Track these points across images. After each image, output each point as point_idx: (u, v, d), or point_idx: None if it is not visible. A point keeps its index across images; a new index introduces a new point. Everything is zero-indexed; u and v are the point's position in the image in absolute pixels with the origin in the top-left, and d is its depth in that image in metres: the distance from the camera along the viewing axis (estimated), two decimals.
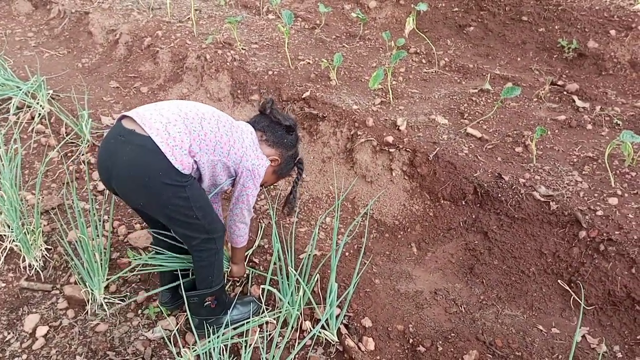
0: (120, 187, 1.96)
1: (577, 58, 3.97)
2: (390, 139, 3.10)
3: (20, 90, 3.83)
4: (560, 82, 3.72)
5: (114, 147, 1.88)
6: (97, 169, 2.08)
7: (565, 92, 3.61)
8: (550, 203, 2.61)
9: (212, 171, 2.04)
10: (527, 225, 2.64)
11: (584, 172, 2.80)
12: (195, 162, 1.95)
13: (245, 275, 2.59)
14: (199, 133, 1.92)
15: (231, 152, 2.03)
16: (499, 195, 2.71)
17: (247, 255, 2.69)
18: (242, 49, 4.16)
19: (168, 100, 2.06)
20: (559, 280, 2.51)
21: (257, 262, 2.68)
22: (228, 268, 2.43)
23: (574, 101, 3.50)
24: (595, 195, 2.63)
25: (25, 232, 2.61)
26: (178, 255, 2.33)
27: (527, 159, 2.92)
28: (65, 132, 3.58)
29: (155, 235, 2.27)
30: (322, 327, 2.25)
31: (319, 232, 2.90)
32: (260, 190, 2.34)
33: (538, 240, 2.60)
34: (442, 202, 2.90)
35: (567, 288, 2.47)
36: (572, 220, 2.54)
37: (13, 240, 2.72)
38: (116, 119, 2.01)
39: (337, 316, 2.29)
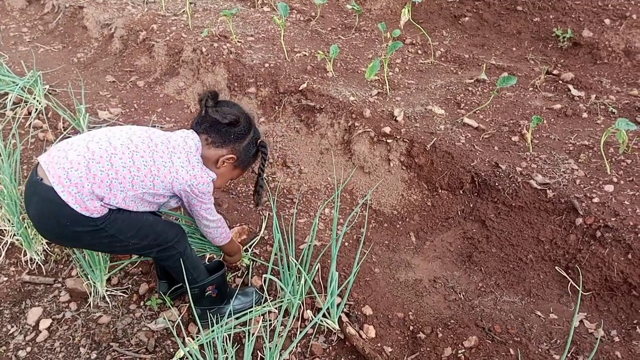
0: (45, 237, 2.00)
1: (572, 47, 3.99)
2: (387, 129, 3.12)
3: (17, 85, 3.83)
4: (555, 72, 3.75)
5: (28, 198, 1.87)
6: None
7: (560, 81, 3.63)
8: (547, 191, 2.63)
9: (140, 202, 1.92)
10: (524, 213, 2.66)
11: (579, 160, 2.83)
12: (107, 204, 1.84)
13: (241, 262, 2.60)
14: (107, 173, 1.80)
15: (156, 182, 1.88)
16: (496, 184, 2.74)
17: (248, 245, 2.71)
18: (238, 41, 4.16)
19: (87, 133, 1.92)
20: (556, 267, 2.54)
21: (258, 253, 2.70)
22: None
23: (569, 90, 3.52)
24: (592, 182, 2.66)
25: (26, 227, 2.62)
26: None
27: (524, 147, 2.95)
28: (63, 127, 3.58)
29: None
30: (324, 315, 2.27)
31: (318, 223, 2.92)
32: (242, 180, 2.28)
33: (535, 227, 2.63)
34: (440, 191, 2.93)
35: (565, 274, 2.50)
36: (569, 207, 2.57)
37: (14, 235, 2.73)
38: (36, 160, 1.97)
39: (338, 305, 2.32)
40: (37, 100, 3.78)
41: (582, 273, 2.44)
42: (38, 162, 1.85)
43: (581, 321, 2.33)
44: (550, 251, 2.58)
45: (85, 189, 1.77)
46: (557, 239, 2.58)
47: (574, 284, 2.45)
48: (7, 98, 3.84)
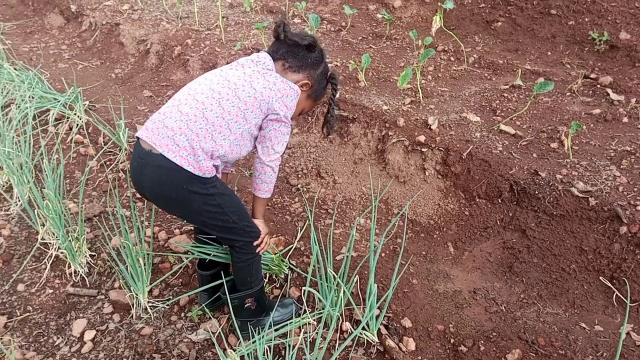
0: (156, 203, 2.06)
1: (609, 50, 3.91)
2: (422, 138, 3.11)
3: (58, 102, 3.95)
4: (593, 75, 3.67)
5: (139, 170, 1.96)
6: (134, 187, 2.13)
7: (598, 85, 3.55)
8: (589, 199, 2.57)
9: (243, 143, 2.01)
10: (566, 222, 2.61)
11: (622, 167, 2.76)
12: (218, 157, 1.94)
13: (280, 272, 2.60)
14: (206, 128, 1.89)
15: (247, 115, 1.95)
16: (536, 192, 2.69)
17: (283, 255, 2.72)
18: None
19: (173, 97, 2.01)
20: (600, 277, 2.48)
21: (295, 264, 2.72)
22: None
23: (608, 94, 3.44)
24: (635, 189, 2.59)
25: (70, 240, 2.70)
26: (216, 245, 2.39)
27: (563, 154, 2.89)
28: (104, 142, 3.68)
29: (200, 239, 2.35)
30: (362, 327, 2.27)
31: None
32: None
33: (578, 237, 2.57)
34: (477, 200, 2.89)
35: (610, 285, 2.44)
36: (612, 215, 2.50)
37: (58, 248, 2.81)
38: (135, 136, 2.05)
39: (377, 317, 2.31)
40: (78, 116, 3.90)
41: (628, 283, 2.37)
42: (138, 138, 1.96)
43: (628, 333, 2.26)
44: (594, 261, 2.52)
45: (195, 150, 1.86)
46: (600, 248, 2.52)
47: (619, 295, 2.38)
48: (49, 114, 3.97)
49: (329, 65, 2.22)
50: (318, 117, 3.64)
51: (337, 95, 2.27)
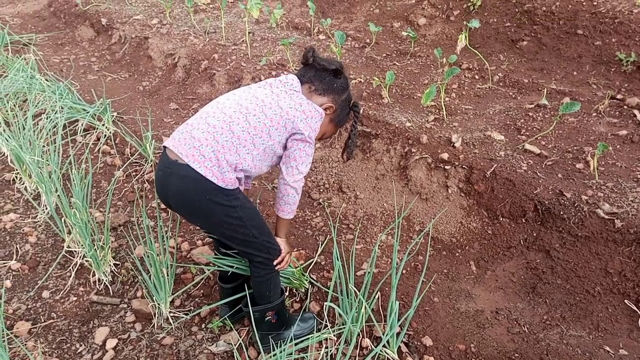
0: (179, 212, 2.10)
1: (636, 71, 3.86)
2: (445, 155, 3.10)
3: (87, 113, 4.05)
4: (619, 96, 3.63)
5: (164, 178, 2.00)
6: (158, 196, 2.18)
7: (625, 107, 3.51)
8: (615, 221, 2.54)
9: (264, 159, 2.05)
10: (591, 244, 2.57)
11: None
12: (241, 170, 1.98)
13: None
14: (231, 141, 1.93)
15: (272, 132, 1.99)
16: (561, 212, 2.66)
17: (305, 270, 2.73)
18: (295, 69, 4.25)
19: (202, 110, 2.06)
20: (625, 300, 2.43)
21: (315, 278, 2.72)
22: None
23: (634, 115, 3.40)
24: None
25: (95, 249, 2.74)
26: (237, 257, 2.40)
27: (589, 175, 2.86)
28: (130, 153, 3.75)
29: (221, 251, 2.37)
30: (383, 345, 2.25)
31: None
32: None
33: (603, 259, 2.53)
34: (500, 219, 2.87)
35: (635, 308, 2.39)
36: (639, 238, 2.46)
37: (84, 256, 2.86)
38: (162, 146, 2.11)
39: (398, 334, 2.29)
40: (106, 127, 3.98)
41: None
42: (165, 148, 2.02)
43: None
44: (619, 284, 2.47)
45: (220, 161, 1.91)
46: (626, 270, 2.47)
47: None
48: (78, 125, 4.07)
49: (352, 96, 2.29)
50: (341, 133, 3.66)
51: (359, 124, 2.31)
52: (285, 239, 2.30)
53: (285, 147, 2.09)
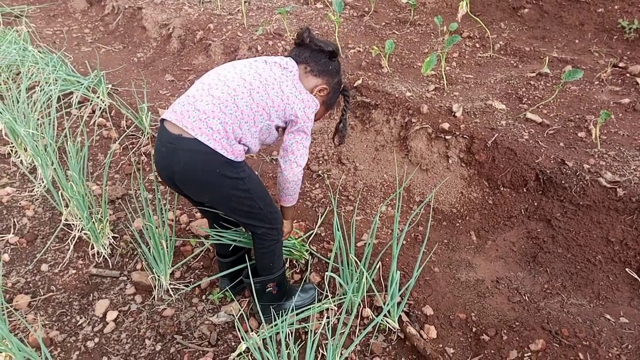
0: (185, 188, 2.04)
1: (638, 39, 3.80)
2: (446, 125, 3.06)
3: (82, 85, 3.98)
4: (621, 64, 3.58)
5: (168, 155, 1.93)
6: (157, 173, 2.12)
7: (627, 75, 3.46)
8: (617, 189, 2.52)
9: (259, 139, 2.04)
10: (592, 213, 2.56)
11: None
12: (244, 144, 1.96)
13: (300, 257, 2.61)
14: (236, 115, 1.90)
15: (272, 112, 1.98)
16: (563, 182, 2.64)
17: (305, 241, 2.72)
18: (292, 39, 4.17)
19: (200, 81, 2.01)
20: (626, 269, 2.43)
21: (315, 250, 2.71)
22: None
23: (637, 83, 3.36)
24: None
25: (94, 221, 2.72)
26: (237, 230, 2.40)
27: (591, 144, 2.83)
28: (126, 125, 3.70)
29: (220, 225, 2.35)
30: (384, 315, 2.25)
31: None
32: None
33: (604, 227, 2.52)
34: (501, 189, 2.84)
35: (636, 276, 2.39)
36: None
37: (82, 229, 2.84)
38: (159, 120, 2.04)
39: (398, 304, 2.29)
40: (101, 99, 3.92)
41: None
42: (162, 122, 1.96)
43: None
44: (620, 252, 2.47)
45: (228, 133, 1.88)
46: (627, 239, 2.47)
47: None
48: (72, 97, 4.00)
49: (343, 80, 2.28)
50: (339, 103, 3.61)
51: (348, 110, 2.35)
52: (291, 221, 2.36)
53: (277, 131, 2.08)
